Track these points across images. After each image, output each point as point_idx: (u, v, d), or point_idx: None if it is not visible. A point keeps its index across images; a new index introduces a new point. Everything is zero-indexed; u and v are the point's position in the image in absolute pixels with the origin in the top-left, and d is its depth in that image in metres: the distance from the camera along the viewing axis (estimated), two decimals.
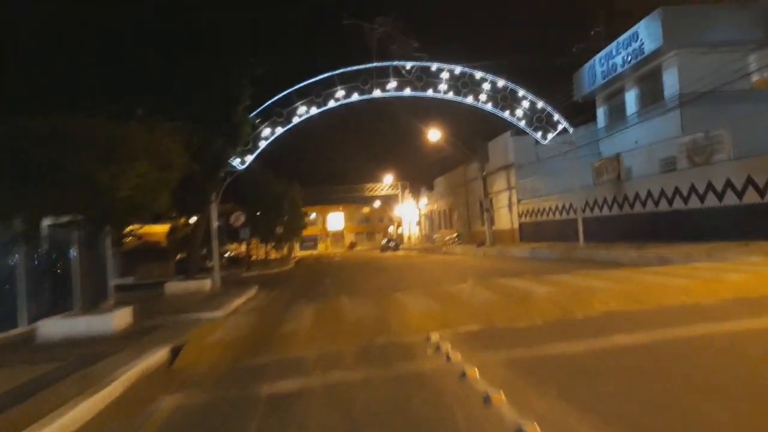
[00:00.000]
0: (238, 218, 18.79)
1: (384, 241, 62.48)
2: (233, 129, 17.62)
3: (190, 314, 12.18)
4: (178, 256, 40.48)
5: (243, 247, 69.83)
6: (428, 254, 39.21)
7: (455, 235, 42.59)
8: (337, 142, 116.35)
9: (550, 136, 21.93)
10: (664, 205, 20.04)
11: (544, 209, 29.77)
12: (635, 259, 16.38)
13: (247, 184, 33.23)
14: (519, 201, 32.63)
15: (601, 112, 30.82)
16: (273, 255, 56.55)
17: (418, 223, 61.69)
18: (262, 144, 20.40)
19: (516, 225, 33.41)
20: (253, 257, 46.71)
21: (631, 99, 27.92)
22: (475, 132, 35.30)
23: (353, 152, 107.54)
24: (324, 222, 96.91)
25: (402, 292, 11.86)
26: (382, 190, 66.00)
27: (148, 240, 39.58)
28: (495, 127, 36.08)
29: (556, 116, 22.23)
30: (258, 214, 33.56)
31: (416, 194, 61.86)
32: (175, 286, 18.15)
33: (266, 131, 20.31)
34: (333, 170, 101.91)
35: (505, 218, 34.60)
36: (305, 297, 14.35)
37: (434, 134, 33.69)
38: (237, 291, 17.38)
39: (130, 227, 37.50)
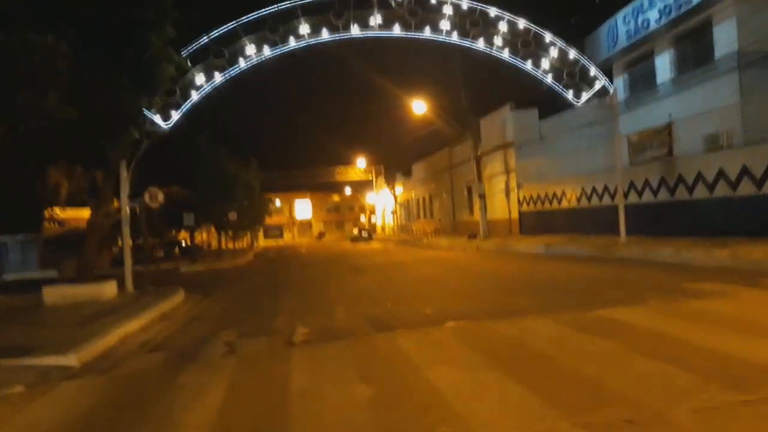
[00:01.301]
0: (155, 196, 13.13)
1: (355, 232, 57.09)
2: (145, 66, 11.95)
3: (20, 359, 6.67)
4: (115, 248, 34.49)
5: (203, 236, 63.83)
6: (408, 247, 33.89)
7: (440, 225, 37.44)
8: (301, 118, 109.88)
9: (584, 96, 16.74)
10: (746, 188, 14.95)
11: (551, 196, 24.72)
12: (741, 263, 11.29)
13: (195, 162, 27.47)
14: (519, 186, 27.55)
15: (620, 82, 25.76)
16: (231, 245, 50.83)
17: (394, 212, 56.40)
18: (195, 96, 14.67)
19: (514, 214, 28.33)
20: (211, 247, 40.90)
21: (663, 63, 22.91)
22: (465, 107, 30.07)
23: (321, 130, 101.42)
24: (291, 210, 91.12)
25: (410, 335, 6.55)
26: (354, 174, 60.39)
27: (75, 227, 33.42)
28: (487, 101, 30.95)
29: (593, 70, 17.00)
30: (205, 197, 27.81)
31: (391, 181, 56.52)
32: (59, 293, 12.43)
33: (200, 78, 14.60)
34: (298, 151, 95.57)
35: (501, 207, 29.51)
36: (238, 324, 8.88)
37: (419, 106, 28.31)
38: (147, 302, 11.78)
39: (50, 209, 31.25)
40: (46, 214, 30.95)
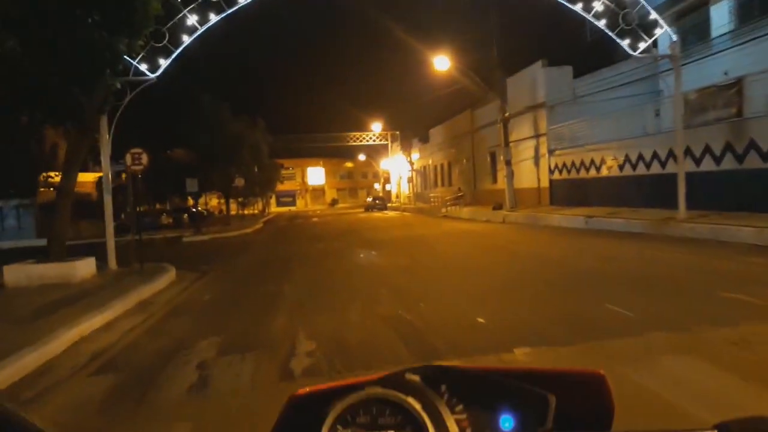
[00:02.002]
0: (138, 158, 11.00)
1: (369, 200, 54.98)
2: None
3: None
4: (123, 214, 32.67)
5: (214, 202, 62.08)
6: (427, 218, 31.80)
7: (460, 194, 35.17)
8: (313, 79, 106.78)
9: (641, 46, 14.26)
10: None
11: (588, 163, 22.36)
12: None
13: (196, 123, 25.37)
14: (551, 152, 25.18)
15: (666, 37, 23.04)
16: (239, 212, 49.12)
17: (410, 180, 54.12)
18: (187, 40, 12.44)
19: (544, 183, 26.02)
20: (223, 213, 39.19)
21: (721, 14, 20.26)
22: (494, 60, 27.51)
23: (334, 92, 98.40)
24: (303, 176, 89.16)
25: None
26: (369, 139, 57.98)
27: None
28: (515, 60, 28.33)
29: (652, 15, 14.50)
30: (209, 161, 25.74)
31: (407, 147, 54.08)
32: (23, 272, 10.49)
33: (192, 18, 12.35)
34: (310, 115, 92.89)
35: (529, 175, 27.18)
36: (225, 326, 6.86)
37: (442, 62, 25.80)
38: (127, 285, 9.83)
39: (45, 174, 29.33)
40: (41, 178, 29.17)
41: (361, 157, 72.79)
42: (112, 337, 6.58)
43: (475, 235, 17.20)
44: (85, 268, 11.02)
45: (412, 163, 50.38)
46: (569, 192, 23.90)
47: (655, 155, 18.27)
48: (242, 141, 25.65)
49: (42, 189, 29.56)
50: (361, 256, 13.10)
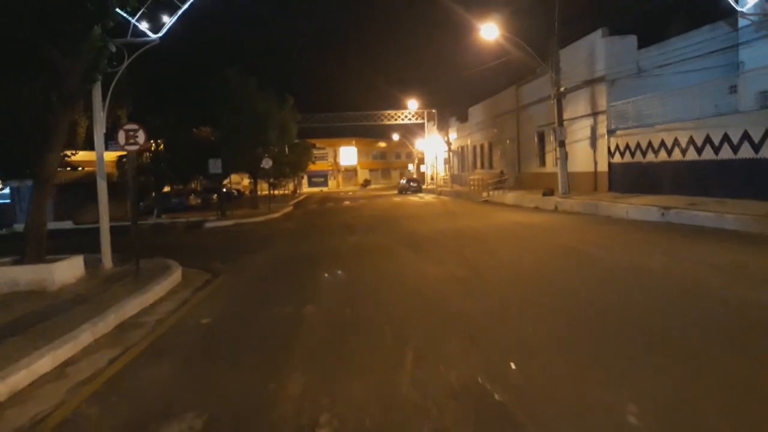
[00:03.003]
0: (133, 137, 8.86)
1: (403, 182, 52.61)
2: None
3: None
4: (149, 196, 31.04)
5: (246, 182, 60.62)
6: (467, 203, 29.40)
7: (503, 177, 32.57)
8: (347, 54, 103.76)
9: (750, 1, 11.53)
10: None
11: (657, 145, 19.60)
12: None
13: (220, 99, 23.35)
14: (611, 132, 22.41)
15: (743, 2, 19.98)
16: (270, 192, 47.47)
17: (447, 161, 51.53)
18: None
19: (602, 167, 23.30)
20: (255, 194, 37.47)
21: None
22: (544, 35, 24.76)
23: (368, 68, 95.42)
24: (335, 156, 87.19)
25: None
26: (404, 118, 55.36)
27: (93, 171, 30.04)
28: (569, 31, 25.42)
29: None
30: (233, 140, 23.72)
31: (444, 126, 51.41)
32: None
33: None
34: (343, 93, 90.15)
35: (584, 157, 24.47)
36: (217, 382, 4.71)
37: (490, 30, 23.14)
38: (114, 296, 7.82)
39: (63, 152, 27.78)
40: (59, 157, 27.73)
41: (395, 136, 70.31)
42: (47, 402, 4.49)
43: (534, 229, 14.75)
44: (67, 270, 9.04)
45: (449, 143, 47.75)
46: (632, 177, 21.19)
47: (746, 136, 15.49)
48: (270, 120, 23.52)
49: (59, 168, 28.07)
50: (404, 259, 10.80)
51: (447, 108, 50.01)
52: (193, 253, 14.52)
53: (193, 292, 8.93)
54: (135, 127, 9.46)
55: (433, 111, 51.81)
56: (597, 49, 23.32)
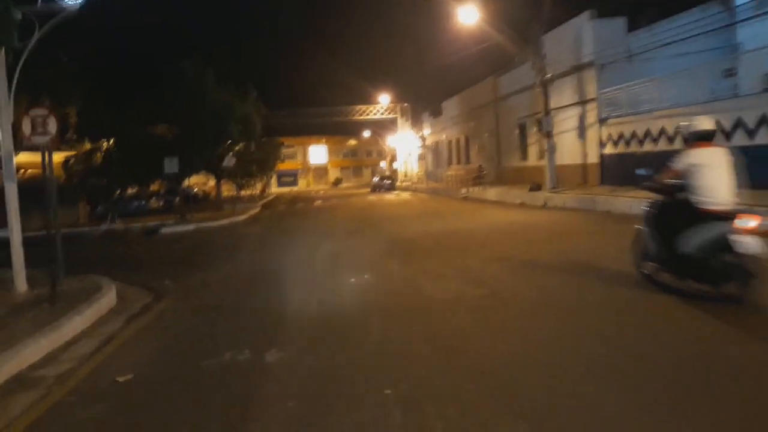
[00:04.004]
0: (42, 125, 6.75)
1: (376, 179, 50.66)
2: None
3: None
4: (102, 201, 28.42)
5: (212, 183, 57.96)
6: (448, 200, 27.63)
7: (483, 172, 30.87)
8: (313, 46, 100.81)
9: None
10: None
11: (656, 133, 18.08)
12: None
13: (174, 92, 21.13)
14: (602, 121, 20.86)
15: None
16: (237, 193, 45.15)
17: (421, 157, 49.78)
18: None
19: (592, 158, 21.74)
20: (220, 195, 35.19)
21: None
22: (522, 20, 23.08)
23: (338, 62, 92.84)
24: (305, 155, 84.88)
25: None
26: (375, 113, 53.40)
27: (35, 175, 27.42)
28: (550, 13, 23.79)
29: None
30: (191, 137, 21.50)
31: (417, 122, 49.64)
32: None
33: None
34: (311, 88, 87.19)
35: (572, 149, 22.89)
36: None
37: (469, 14, 21.32)
38: (3, 341, 5.72)
39: None
40: None
41: (366, 133, 68.35)
42: None
43: (536, 230, 12.97)
44: None
45: (423, 139, 45.98)
46: (627, 169, 19.60)
47: (764, 120, 14.01)
48: (230, 112, 21.28)
49: None
50: (395, 274, 8.82)
51: (420, 102, 48.29)
52: (140, 265, 12.45)
53: (125, 323, 6.90)
54: (44, 112, 7.35)
55: (406, 105, 50.01)
56: (584, 33, 21.76)
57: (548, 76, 21.16)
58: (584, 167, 22.34)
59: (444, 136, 44.25)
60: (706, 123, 6.26)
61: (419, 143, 48.82)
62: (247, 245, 14.77)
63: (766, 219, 5.43)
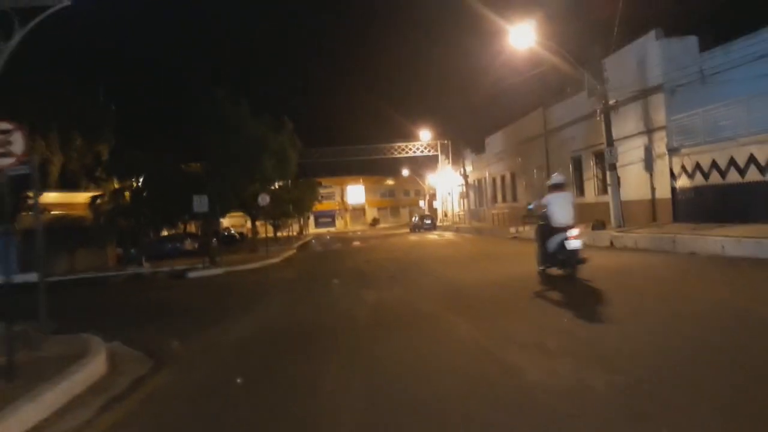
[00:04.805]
0: (5, 143, 5.05)
1: (416, 219, 48.81)
2: None
3: None
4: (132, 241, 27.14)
5: (249, 223, 57.16)
6: (496, 240, 25.47)
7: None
8: (351, 85, 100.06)
9: None
10: None
11: (744, 161, 15.75)
12: None
13: (206, 124, 19.85)
14: (673, 151, 18.62)
15: None
16: (275, 235, 43.92)
17: (463, 195, 47.75)
18: None
19: (663, 192, 19.41)
20: (257, 236, 33.81)
21: None
22: (578, 44, 21.26)
23: (375, 100, 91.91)
24: (342, 195, 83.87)
25: None
26: (415, 150, 51.84)
27: (64, 215, 26.40)
28: (606, 36, 21.91)
29: None
30: (222, 173, 20.04)
31: (458, 159, 47.84)
32: None
33: None
34: (349, 127, 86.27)
35: (638, 182, 20.59)
36: None
37: (522, 37, 19.53)
38: None
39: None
40: (24, 198, 24.13)
41: (405, 172, 66.92)
42: None
43: (628, 276, 10.75)
44: None
45: (465, 176, 44.05)
46: (707, 203, 17.26)
47: None
48: (264, 145, 19.74)
49: (24, 213, 24.36)
50: (467, 342, 6.47)
51: (461, 138, 46.52)
52: (152, 318, 10.70)
53: (98, 412, 5.03)
54: (8, 126, 5.65)
55: (446, 142, 48.32)
56: (651, 54, 19.71)
57: (612, 102, 19.11)
58: (652, 203, 19.99)
59: (487, 173, 42.24)
60: (557, 178, 10.83)
61: (461, 181, 46.86)
62: (277, 291, 12.91)
63: (581, 230, 10.68)
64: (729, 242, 12.69)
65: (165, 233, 36.48)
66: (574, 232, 9.81)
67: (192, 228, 39.66)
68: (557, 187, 10.51)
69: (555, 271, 10.25)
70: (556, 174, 11.26)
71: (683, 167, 18.35)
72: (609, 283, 9.36)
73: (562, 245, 9.82)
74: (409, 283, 12.20)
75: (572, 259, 9.74)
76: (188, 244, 36.47)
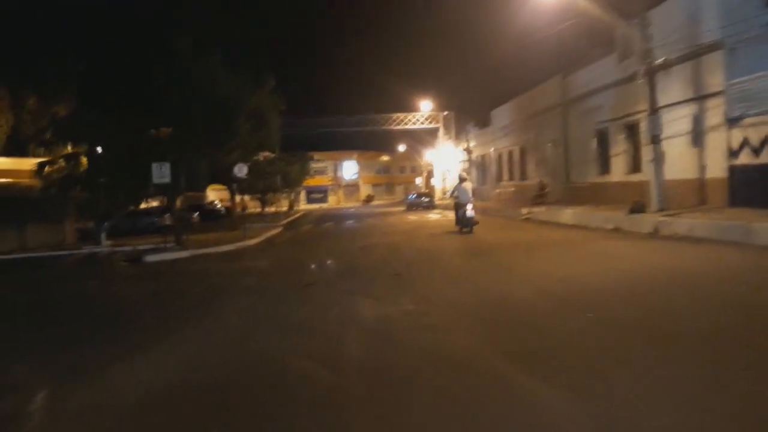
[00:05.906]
0: None
1: (412, 197, 45.51)
2: None
3: None
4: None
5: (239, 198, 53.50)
6: (509, 223, 22.27)
7: (546, 189, 25.54)
8: (346, 48, 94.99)
9: None
10: None
11: None
12: None
13: (168, 80, 16.51)
14: (733, 121, 15.46)
15: None
16: (262, 210, 40.76)
17: (466, 171, 44.45)
18: None
19: (716, 172, 16.28)
20: (245, 211, 30.51)
21: None
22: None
23: (373, 66, 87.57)
24: (336, 170, 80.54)
25: None
26: (414, 122, 48.40)
27: (9, 184, 22.97)
28: None
29: None
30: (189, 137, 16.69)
31: (460, 133, 44.51)
32: None
33: None
34: (344, 95, 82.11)
35: (683, 159, 17.43)
36: None
37: None
38: None
39: None
40: None
41: (401, 147, 63.54)
42: None
43: (723, 283, 7.66)
44: None
45: (469, 151, 40.77)
46: None
47: None
48: (238, 105, 16.25)
49: None
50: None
51: (464, 112, 43.20)
52: (56, 322, 7.53)
53: None
54: None
55: (448, 114, 44.89)
56: (706, 4, 16.39)
57: (660, 61, 15.84)
58: (702, 183, 16.87)
59: (492, 149, 38.97)
60: (462, 174, 19.63)
61: (462, 157, 43.59)
62: (234, 298, 9.39)
63: (472, 204, 17.40)
64: None
65: (144, 206, 33.19)
66: (470, 206, 17.15)
67: (179, 203, 36.33)
68: (462, 180, 18.49)
69: (463, 230, 17.22)
70: (461, 171, 18.63)
71: (746, 141, 15.17)
72: (704, 302, 6.20)
73: (464, 214, 17.23)
74: (423, 289, 8.57)
75: (469, 222, 17.12)
76: (166, 219, 33.12)
